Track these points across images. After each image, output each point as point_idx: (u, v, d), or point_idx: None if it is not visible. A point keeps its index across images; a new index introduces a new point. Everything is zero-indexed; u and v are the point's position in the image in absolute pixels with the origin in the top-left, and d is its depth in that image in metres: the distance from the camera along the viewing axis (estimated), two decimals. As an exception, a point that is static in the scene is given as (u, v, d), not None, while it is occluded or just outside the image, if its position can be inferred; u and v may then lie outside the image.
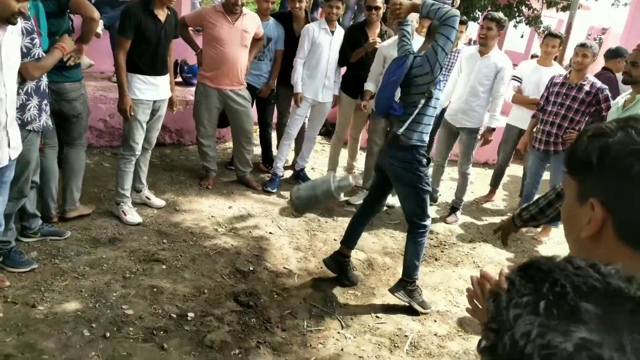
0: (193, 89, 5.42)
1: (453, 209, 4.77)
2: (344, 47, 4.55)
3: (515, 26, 13.75)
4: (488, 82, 4.37)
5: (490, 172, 6.21)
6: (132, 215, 3.74)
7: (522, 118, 4.79)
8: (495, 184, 5.34)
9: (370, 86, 4.35)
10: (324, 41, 4.50)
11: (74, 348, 2.49)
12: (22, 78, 2.70)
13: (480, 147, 4.74)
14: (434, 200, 5.03)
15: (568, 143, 4.17)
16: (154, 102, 3.68)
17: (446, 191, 5.33)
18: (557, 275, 0.47)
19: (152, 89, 3.63)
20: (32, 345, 2.46)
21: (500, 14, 4.35)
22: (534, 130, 4.40)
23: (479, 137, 4.60)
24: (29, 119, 2.80)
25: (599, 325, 0.42)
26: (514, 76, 4.85)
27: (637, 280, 0.47)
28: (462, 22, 5.20)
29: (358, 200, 4.59)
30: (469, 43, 9.72)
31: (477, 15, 13.90)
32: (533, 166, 4.48)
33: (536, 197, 2.44)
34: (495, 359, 0.46)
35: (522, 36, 13.50)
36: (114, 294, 2.93)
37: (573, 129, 4.12)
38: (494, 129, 4.51)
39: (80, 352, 2.48)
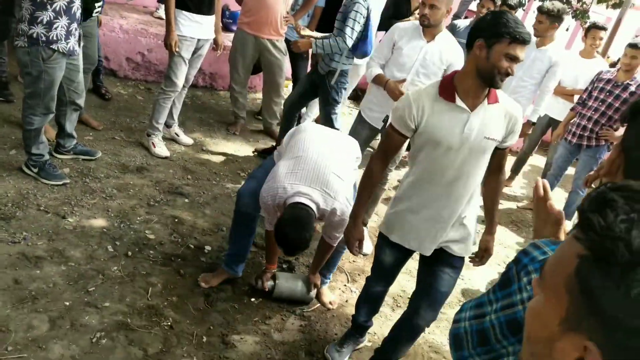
0: (232, 35, 5.46)
1: None
2: (387, 12, 4.49)
3: (561, 18, 13.42)
4: (539, 75, 4.14)
5: (512, 159, 6.22)
6: (161, 148, 3.86)
7: (554, 107, 4.74)
8: (516, 170, 5.35)
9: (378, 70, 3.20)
10: (374, 5, 4.44)
11: (98, 260, 2.66)
12: None
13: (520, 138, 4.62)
14: None
15: (602, 140, 4.14)
16: (198, 40, 3.75)
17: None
18: None
19: (197, 27, 3.69)
20: (60, 251, 2.62)
21: (556, 4, 4.05)
22: (570, 122, 4.35)
23: None
24: (54, 38, 2.81)
25: None
26: None
27: None
28: (511, 7, 5.04)
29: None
30: None
31: (524, 2, 13.49)
32: (560, 158, 4.48)
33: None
34: (610, 263, 0.57)
35: (567, 29, 13.19)
36: (138, 218, 3.07)
37: (610, 127, 4.09)
38: (534, 123, 4.36)
39: (103, 265, 2.64)
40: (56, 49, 2.85)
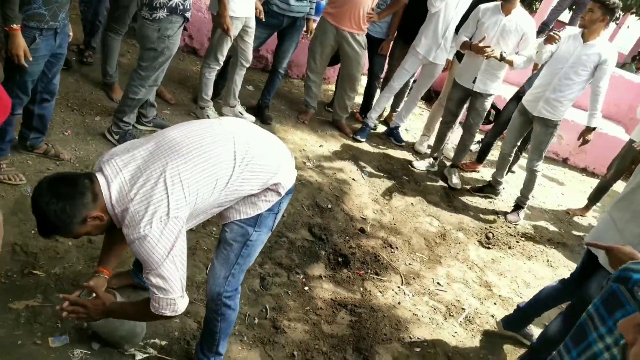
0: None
1: (517, 207, 4.38)
2: (468, 14, 4.34)
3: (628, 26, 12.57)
4: (585, 73, 3.76)
5: (586, 180, 5.93)
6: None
7: None
8: (594, 199, 4.86)
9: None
10: (450, 1, 4.33)
11: (164, 230, 2.76)
12: None
13: (579, 147, 4.23)
14: (495, 193, 4.61)
15: None
16: (246, 18, 3.74)
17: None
18: None
19: (247, 5, 3.68)
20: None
21: None
22: None
23: (556, 132, 4.06)
24: (188, 7, 3.00)
25: None
26: None
27: None
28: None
29: (422, 166, 4.64)
30: None
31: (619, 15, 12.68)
32: None
33: None
34: None
35: (628, 27, 12.22)
36: (205, 195, 3.17)
37: None
38: (594, 129, 3.96)
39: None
40: (182, 14, 3.00)
